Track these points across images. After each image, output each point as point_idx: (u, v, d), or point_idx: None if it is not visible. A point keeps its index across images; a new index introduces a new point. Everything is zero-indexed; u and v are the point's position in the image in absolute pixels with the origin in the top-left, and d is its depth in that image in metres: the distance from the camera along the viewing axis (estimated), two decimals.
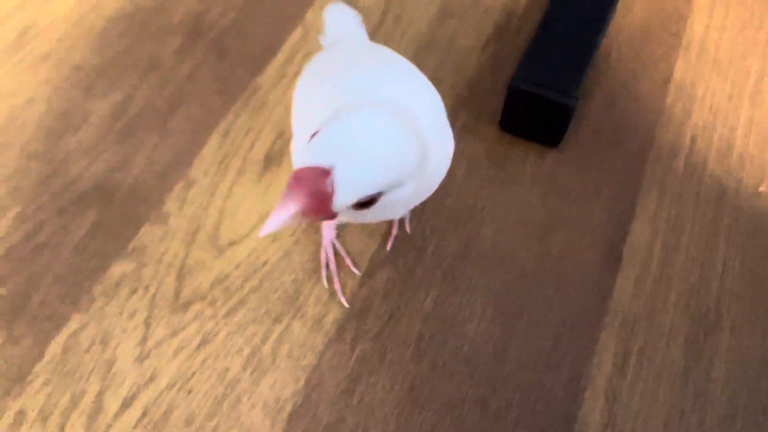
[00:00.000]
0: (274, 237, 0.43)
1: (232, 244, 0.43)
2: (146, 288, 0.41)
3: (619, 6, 0.55)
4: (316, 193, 0.25)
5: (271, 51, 0.52)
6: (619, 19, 0.55)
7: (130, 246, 0.43)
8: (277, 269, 0.42)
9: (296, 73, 0.51)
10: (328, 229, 0.43)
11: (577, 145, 0.48)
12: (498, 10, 0.55)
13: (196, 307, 0.41)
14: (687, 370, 0.39)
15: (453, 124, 0.49)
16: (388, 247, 0.43)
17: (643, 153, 0.48)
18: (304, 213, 0.26)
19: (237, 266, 0.42)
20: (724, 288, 0.42)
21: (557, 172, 0.47)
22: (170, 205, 0.45)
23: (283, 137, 0.48)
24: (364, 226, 0.44)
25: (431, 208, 0.45)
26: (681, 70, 0.52)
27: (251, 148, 0.47)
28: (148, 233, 0.43)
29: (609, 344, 0.40)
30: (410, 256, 0.43)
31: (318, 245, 0.43)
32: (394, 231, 0.43)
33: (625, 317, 0.41)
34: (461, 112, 0.49)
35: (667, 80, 0.51)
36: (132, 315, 0.40)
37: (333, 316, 0.41)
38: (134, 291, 0.41)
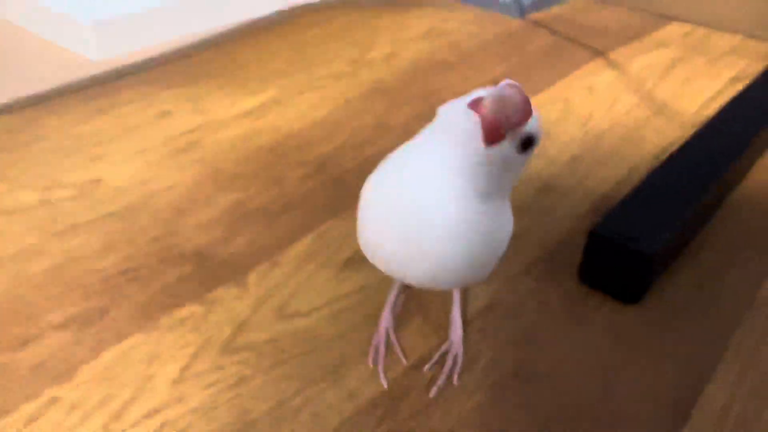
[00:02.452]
0: (335, 317, 0.45)
1: (296, 315, 0.45)
2: (205, 330, 0.43)
3: (748, 177, 0.57)
4: (524, 97, 0.31)
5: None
6: (740, 193, 0.56)
7: (207, 296, 0.46)
8: (330, 344, 0.43)
9: None
10: (386, 316, 0.44)
11: (659, 306, 0.47)
12: (599, 192, 0.59)
13: (243, 355, 0.42)
14: None
15: (529, 272, 0.50)
16: (432, 393, 0.40)
17: (729, 330, 0.45)
18: (513, 109, 0.30)
19: (294, 333, 0.44)
20: None
21: (633, 327, 0.45)
22: (253, 276, 0.48)
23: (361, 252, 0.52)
24: (420, 327, 0.44)
25: (489, 329, 0.45)
26: None
27: (338, 249, 0.51)
28: (226, 291, 0.47)
29: None
30: (461, 362, 0.42)
31: (373, 334, 0.44)
32: (440, 381, 0.41)
33: None
34: (541, 263, 0.51)
35: (764, 274, 0.50)
36: (184, 347, 0.42)
37: (369, 392, 0.40)
38: (194, 329, 0.43)
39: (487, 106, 0.30)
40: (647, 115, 0.72)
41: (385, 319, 0.44)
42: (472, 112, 0.31)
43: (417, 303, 0.47)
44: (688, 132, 0.69)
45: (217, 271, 0.49)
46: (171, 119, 0.68)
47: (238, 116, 0.69)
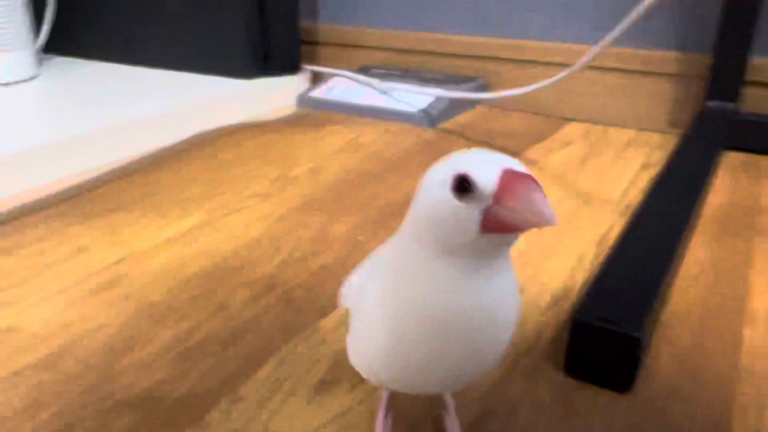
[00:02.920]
0: None
1: None
2: None
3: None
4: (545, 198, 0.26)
5: (323, 312, 0.54)
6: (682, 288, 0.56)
7: None
8: None
9: None
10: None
11: (651, 390, 0.45)
12: (555, 284, 0.58)
13: None
14: None
15: (515, 371, 0.47)
16: None
17: (727, 406, 0.44)
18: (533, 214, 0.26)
19: None
20: None
21: (630, 415, 0.43)
22: (214, 416, 0.42)
23: (339, 365, 0.47)
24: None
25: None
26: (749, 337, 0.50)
27: (305, 373, 0.46)
28: None
29: None
30: None
31: None
32: None
33: None
34: (524, 360, 0.48)
35: (738, 344, 0.50)
36: None
37: None
38: None
39: (513, 210, 0.26)
40: (577, 204, 0.74)
41: None
42: (473, 210, 0.27)
43: (402, 419, 0.42)
44: (621, 216, 0.71)
45: (170, 416, 0.42)
46: (89, 254, 0.62)
47: (163, 244, 0.64)
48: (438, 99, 1.04)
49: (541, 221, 0.26)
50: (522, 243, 0.65)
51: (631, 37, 0.99)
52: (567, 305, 0.55)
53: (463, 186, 0.27)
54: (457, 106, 1.07)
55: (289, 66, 1.17)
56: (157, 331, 0.50)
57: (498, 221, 0.27)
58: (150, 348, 0.48)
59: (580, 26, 1.05)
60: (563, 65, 1.02)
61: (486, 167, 0.27)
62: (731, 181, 0.81)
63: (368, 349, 0.33)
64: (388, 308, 0.31)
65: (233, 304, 0.54)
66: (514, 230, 0.27)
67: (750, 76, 0.95)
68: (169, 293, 0.55)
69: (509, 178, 0.27)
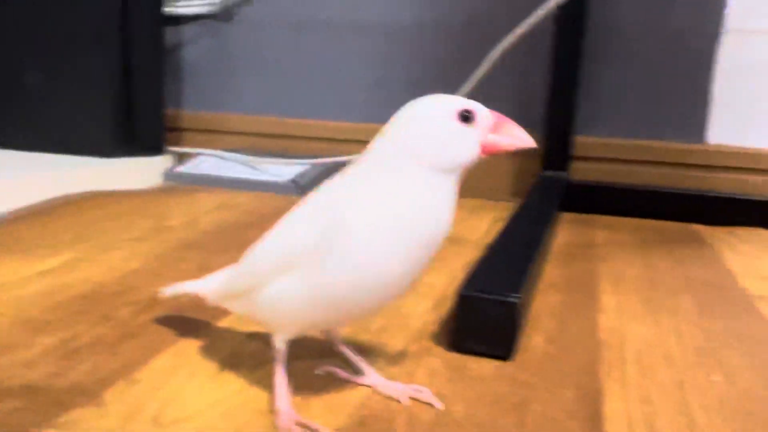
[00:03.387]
0: (223, 417, 0.39)
1: (177, 421, 0.38)
2: None
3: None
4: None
5: (225, 312, 0.55)
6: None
7: (58, 421, 0.37)
8: None
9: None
10: (285, 397, 0.39)
11: (531, 359, 0.49)
12: (435, 293, 0.62)
13: None
14: None
15: (407, 349, 0.49)
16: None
17: (594, 366, 0.49)
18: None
19: None
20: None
21: (519, 376, 0.46)
22: (109, 394, 0.40)
23: (237, 355, 0.47)
24: (318, 403, 0.41)
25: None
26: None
27: (205, 360, 0.46)
28: (81, 412, 0.38)
29: None
30: (382, 423, 0.39)
31: (270, 426, 0.39)
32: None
33: None
34: (412, 344, 0.51)
35: (595, 326, 0.56)
36: None
37: None
38: None
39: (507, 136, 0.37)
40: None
41: (285, 401, 0.39)
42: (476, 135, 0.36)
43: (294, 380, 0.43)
44: (481, 249, 0.78)
45: (61, 397, 0.40)
46: None
47: (35, 276, 0.61)
48: (306, 170, 1.09)
49: (526, 144, 0.37)
50: None
51: None
52: (446, 308, 0.59)
53: (465, 117, 0.36)
54: (326, 175, 1.13)
55: (153, 147, 1.18)
56: (37, 339, 0.48)
57: (496, 145, 0.37)
58: (32, 350, 0.46)
59: None
60: None
61: (478, 106, 0.37)
62: (569, 229, 0.92)
63: (356, 269, 0.36)
64: (394, 222, 0.36)
65: (119, 316, 0.53)
66: (506, 151, 0.37)
67: (576, 151, 1.10)
68: (47, 310, 0.53)
69: (499, 115, 0.37)
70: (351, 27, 1.20)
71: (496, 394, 0.44)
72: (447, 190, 0.37)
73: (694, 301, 0.64)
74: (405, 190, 0.36)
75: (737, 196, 1.02)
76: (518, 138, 0.37)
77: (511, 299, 0.48)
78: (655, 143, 1.10)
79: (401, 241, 0.36)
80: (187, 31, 1.30)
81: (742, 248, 0.85)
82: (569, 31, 1.06)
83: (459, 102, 0.37)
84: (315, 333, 0.48)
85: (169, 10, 1.24)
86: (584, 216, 1.02)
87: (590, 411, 0.42)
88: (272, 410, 0.39)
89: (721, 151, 1.07)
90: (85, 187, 0.98)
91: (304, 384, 0.43)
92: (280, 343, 0.40)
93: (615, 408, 0.42)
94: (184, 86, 1.32)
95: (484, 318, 0.48)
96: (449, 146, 0.36)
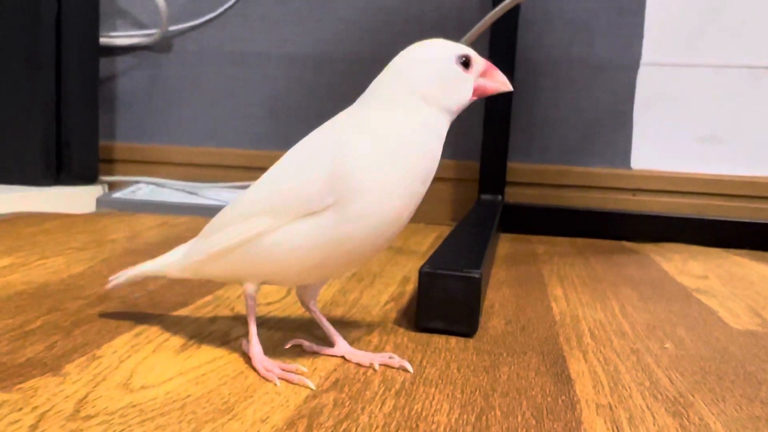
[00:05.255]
0: (195, 382, 0.38)
1: (146, 387, 0.37)
2: (34, 408, 0.33)
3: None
4: None
5: (183, 304, 0.53)
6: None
7: (17, 388, 0.35)
8: (205, 396, 0.36)
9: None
10: (259, 350, 0.39)
11: (493, 335, 0.50)
12: (390, 290, 0.62)
13: (100, 419, 0.32)
14: None
15: (372, 329, 0.50)
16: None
17: (555, 338, 0.50)
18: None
19: (153, 399, 0.35)
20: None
21: (483, 346, 0.47)
22: (71, 367, 0.39)
23: (199, 336, 0.46)
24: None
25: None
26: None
27: (168, 339, 0.44)
28: (42, 380, 0.36)
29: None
30: (357, 384, 0.39)
31: (248, 386, 0.38)
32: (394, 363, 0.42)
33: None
34: (377, 326, 0.51)
35: (549, 309, 0.58)
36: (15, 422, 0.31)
37: (281, 415, 0.34)
38: (18, 410, 0.32)
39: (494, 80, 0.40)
40: (392, 253, 0.81)
41: (259, 347, 0.40)
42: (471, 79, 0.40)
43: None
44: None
45: (19, 371, 0.38)
46: None
47: None
48: None
49: (508, 88, 0.40)
50: (360, 270, 0.69)
51: None
52: (403, 302, 0.59)
53: (465, 62, 0.39)
54: None
55: (87, 176, 1.15)
56: None
57: (485, 88, 0.40)
58: None
59: None
60: None
61: (473, 53, 0.40)
62: (510, 244, 0.95)
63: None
64: (396, 151, 0.38)
65: (68, 308, 0.50)
66: (491, 94, 0.40)
67: (511, 177, 1.15)
68: None
69: (486, 61, 0.40)
70: (284, 59, 1.21)
71: (466, 360, 0.44)
72: (441, 129, 0.39)
73: (636, 292, 0.67)
74: (407, 124, 0.38)
75: (660, 215, 1.08)
76: (502, 83, 0.40)
77: (473, 274, 0.49)
78: (582, 169, 1.16)
79: (403, 171, 0.37)
80: (123, 62, 1.29)
81: (672, 256, 0.90)
82: (501, 65, 1.12)
83: (459, 47, 0.40)
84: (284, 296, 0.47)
85: (104, 40, 1.23)
86: (523, 236, 1.05)
87: (557, 371, 0.43)
88: (249, 364, 0.39)
89: (644, 175, 1.14)
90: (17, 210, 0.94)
91: (274, 358, 0.42)
92: (251, 289, 0.40)
93: (579, 369, 0.44)
94: (118, 117, 1.30)
95: (446, 295, 0.49)
96: (450, 88, 0.39)
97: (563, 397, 0.39)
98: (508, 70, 1.12)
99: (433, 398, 0.37)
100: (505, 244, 0.94)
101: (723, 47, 1.11)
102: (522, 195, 1.17)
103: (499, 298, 0.61)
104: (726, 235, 1.05)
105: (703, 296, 0.66)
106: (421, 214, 1.24)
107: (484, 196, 1.12)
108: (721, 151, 1.13)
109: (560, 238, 1.03)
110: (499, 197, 1.12)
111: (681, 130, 1.14)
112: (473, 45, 0.65)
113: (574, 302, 0.61)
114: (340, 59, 1.19)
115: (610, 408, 0.38)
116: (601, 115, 1.16)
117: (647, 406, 0.38)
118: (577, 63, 1.16)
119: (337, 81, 1.19)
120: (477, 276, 0.49)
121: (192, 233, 0.44)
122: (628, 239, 1.05)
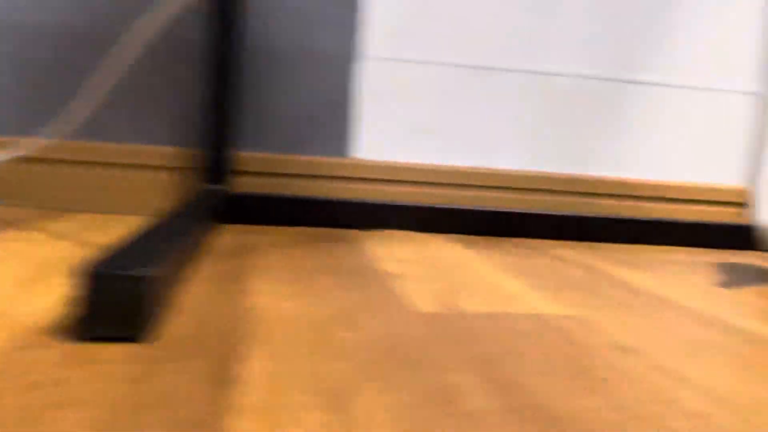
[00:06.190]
0: None
1: None
2: None
3: None
4: None
5: None
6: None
7: None
8: None
9: None
10: None
11: (173, 338, 0.46)
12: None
13: None
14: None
15: (19, 345, 0.42)
16: None
17: (237, 338, 0.48)
18: None
19: None
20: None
21: (153, 356, 0.43)
22: None
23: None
24: None
25: None
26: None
27: None
28: None
29: None
30: None
31: None
32: None
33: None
34: (30, 337, 0.44)
35: (249, 308, 0.55)
36: None
37: None
38: None
39: None
40: (71, 249, 0.73)
41: None
42: None
43: None
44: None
45: None
46: None
47: None
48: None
49: None
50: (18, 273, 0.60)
51: (117, 133, 1.06)
52: (69, 307, 0.53)
53: None
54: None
55: None
56: None
57: None
58: None
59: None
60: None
61: None
62: (233, 236, 0.92)
63: None
64: None
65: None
66: None
67: (238, 166, 1.11)
68: None
69: None
70: None
71: (120, 372, 0.39)
72: None
73: (335, 280, 0.67)
74: None
75: (378, 202, 1.13)
76: None
77: (140, 273, 0.44)
78: (307, 158, 1.16)
79: None
80: None
81: (385, 243, 0.93)
82: (228, 51, 1.07)
83: None
84: None
85: None
86: (251, 227, 1.02)
87: (222, 375, 0.40)
88: None
89: (365, 165, 1.18)
90: None
91: None
92: None
93: (250, 370, 0.42)
94: None
95: (112, 298, 0.44)
96: None
97: (214, 406, 0.36)
98: (235, 59, 1.08)
99: (66, 421, 0.32)
100: (227, 237, 0.91)
101: (439, 45, 1.19)
102: (252, 185, 1.14)
103: (192, 297, 0.57)
104: (438, 222, 1.12)
105: (398, 281, 0.69)
106: (134, 205, 1.16)
107: (203, 186, 1.07)
108: (436, 143, 1.21)
109: (287, 228, 1.02)
110: (220, 187, 1.08)
111: (400, 122, 1.20)
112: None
113: (273, 296, 0.59)
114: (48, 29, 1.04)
115: (267, 410, 0.36)
116: (324, 106, 1.18)
117: (304, 405, 0.37)
118: (302, 54, 1.16)
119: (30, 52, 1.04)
120: (146, 275, 0.44)
121: None
122: (351, 227, 1.08)
